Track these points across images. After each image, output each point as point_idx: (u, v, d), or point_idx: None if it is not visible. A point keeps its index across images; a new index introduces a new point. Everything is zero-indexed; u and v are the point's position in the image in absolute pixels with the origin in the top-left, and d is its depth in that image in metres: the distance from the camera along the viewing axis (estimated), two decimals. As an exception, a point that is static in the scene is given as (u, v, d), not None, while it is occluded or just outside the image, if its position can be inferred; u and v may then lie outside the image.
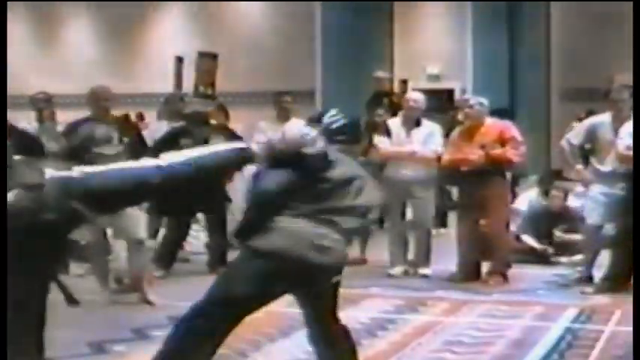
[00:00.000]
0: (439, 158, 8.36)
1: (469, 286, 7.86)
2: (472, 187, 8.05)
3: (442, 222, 10.97)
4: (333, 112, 4.43)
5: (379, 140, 8.52)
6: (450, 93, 16.23)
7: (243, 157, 3.28)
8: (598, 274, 7.79)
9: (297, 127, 4.26)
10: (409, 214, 8.91)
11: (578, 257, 8.42)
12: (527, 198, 9.87)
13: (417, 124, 8.46)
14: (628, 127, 7.41)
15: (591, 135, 7.86)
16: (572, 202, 9.33)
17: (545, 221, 9.33)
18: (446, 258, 8.46)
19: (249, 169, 3.86)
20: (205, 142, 7.64)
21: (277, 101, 9.34)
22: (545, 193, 9.60)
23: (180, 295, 7.29)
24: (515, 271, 8.32)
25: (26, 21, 19.12)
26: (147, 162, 2.94)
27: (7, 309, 2.58)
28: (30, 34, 19.29)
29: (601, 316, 6.75)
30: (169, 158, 2.96)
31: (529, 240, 9.24)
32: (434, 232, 9.02)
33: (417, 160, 8.37)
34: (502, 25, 17.53)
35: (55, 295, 2.74)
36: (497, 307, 7.11)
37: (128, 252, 7.17)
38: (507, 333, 6.25)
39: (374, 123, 10.20)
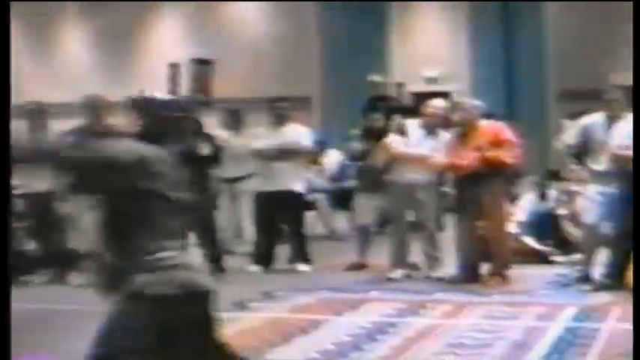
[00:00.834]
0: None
1: (469, 288, 7.87)
2: (470, 189, 8.07)
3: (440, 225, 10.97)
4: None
5: (392, 139, 8.54)
6: (447, 96, 16.21)
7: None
8: (597, 272, 7.80)
9: None
10: (409, 217, 8.92)
11: (577, 256, 8.43)
12: (526, 198, 9.88)
13: (434, 132, 8.45)
14: (621, 127, 7.45)
15: (585, 135, 7.88)
16: (571, 202, 9.35)
17: (544, 222, 9.33)
18: (445, 260, 8.48)
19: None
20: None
21: (274, 107, 9.36)
22: (544, 194, 9.63)
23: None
24: (515, 272, 8.32)
25: (21, 26, 19.02)
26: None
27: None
28: (24, 41, 19.19)
29: (600, 314, 6.77)
30: None
31: (528, 241, 9.25)
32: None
33: (426, 165, 8.35)
34: (499, 27, 17.53)
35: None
36: (498, 308, 7.12)
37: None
38: (508, 334, 6.25)
39: (370, 128, 10.25)
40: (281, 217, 9.33)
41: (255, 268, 9.10)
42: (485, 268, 8.23)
